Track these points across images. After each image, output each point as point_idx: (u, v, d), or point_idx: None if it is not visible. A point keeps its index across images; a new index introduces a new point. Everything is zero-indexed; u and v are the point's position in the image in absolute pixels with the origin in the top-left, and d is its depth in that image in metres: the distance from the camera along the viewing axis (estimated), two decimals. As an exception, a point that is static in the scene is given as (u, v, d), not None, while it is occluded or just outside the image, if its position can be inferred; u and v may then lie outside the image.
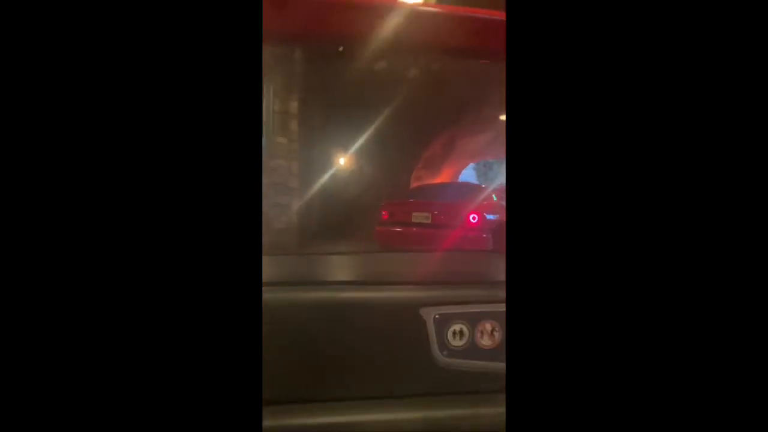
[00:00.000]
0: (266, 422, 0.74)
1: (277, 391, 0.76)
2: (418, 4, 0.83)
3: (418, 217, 4.70)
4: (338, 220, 6.01)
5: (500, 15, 0.75)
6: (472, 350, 0.78)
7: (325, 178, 5.97)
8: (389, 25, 0.84)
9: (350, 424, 0.77)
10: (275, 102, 5.39)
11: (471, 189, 5.37)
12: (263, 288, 0.81)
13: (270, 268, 1.22)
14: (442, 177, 7.64)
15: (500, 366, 0.78)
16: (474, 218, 4.30)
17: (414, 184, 6.65)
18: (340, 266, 1.28)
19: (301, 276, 1.08)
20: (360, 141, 5.81)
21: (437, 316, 0.79)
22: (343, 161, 6.11)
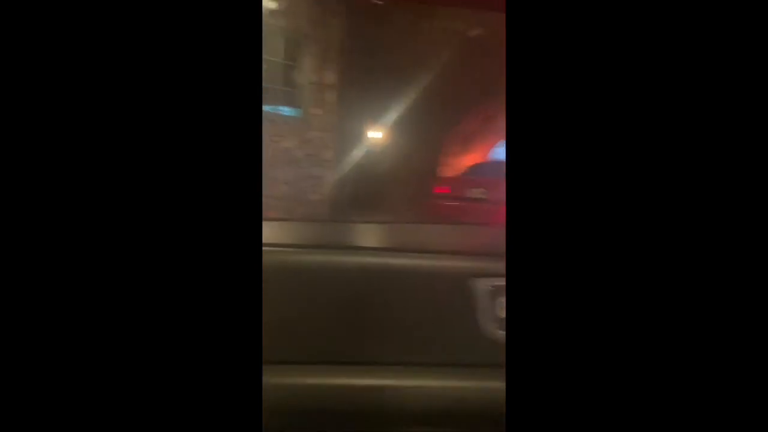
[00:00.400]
0: (310, 381, 0.75)
1: (319, 351, 0.77)
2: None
3: (475, 192, 4.89)
4: (371, 193, 6.00)
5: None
6: None
7: (360, 151, 5.95)
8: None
9: (393, 387, 0.78)
10: (312, 73, 5.35)
11: None
12: (303, 250, 0.82)
13: (316, 232, 1.22)
14: (476, 153, 7.50)
15: None
16: None
17: (471, 162, 6.65)
18: (386, 234, 1.26)
19: (341, 242, 1.07)
20: (396, 114, 5.75)
21: (489, 288, 0.78)
22: (378, 134, 6.08)
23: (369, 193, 6.02)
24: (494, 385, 0.76)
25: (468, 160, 7.38)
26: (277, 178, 5.05)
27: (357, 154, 5.79)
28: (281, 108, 5.52)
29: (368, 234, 1.22)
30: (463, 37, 5.53)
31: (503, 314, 0.77)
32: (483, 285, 0.77)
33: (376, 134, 6.03)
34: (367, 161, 5.86)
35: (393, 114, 5.66)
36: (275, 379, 0.72)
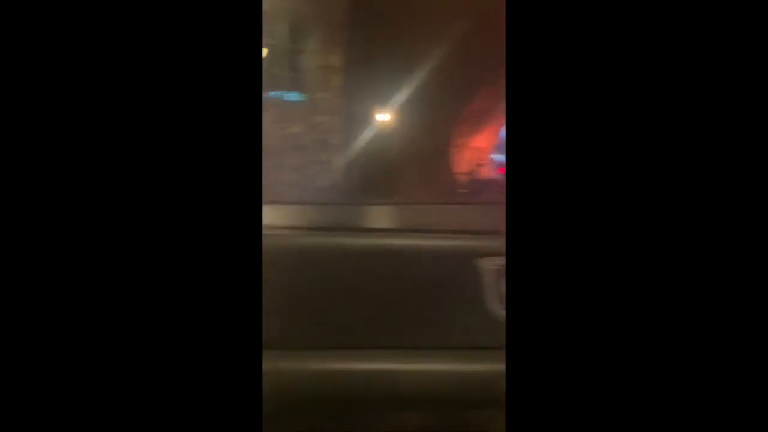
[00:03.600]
0: (318, 365, 0.75)
1: (326, 335, 0.78)
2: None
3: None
4: (380, 177, 6.00)
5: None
6: None
7: (369, 134, 5.95)
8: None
9: (401, 372, 0.78)
10: (317, 56, 5.32)
11: None
12: (311, 233, 0.81)
13: (316, 215, 1.22)
14: (486, 133, 7.47)
15: None
16: None
17: (485, 143, 6.76)
18: (388, 215, 1.26)
19: (349, 224, 1.08)
20: (403, 95, 5.71)
21: (495, 267, 0.78)
22: (386, 116, 6.05)
23: (378, 176, 6.01)
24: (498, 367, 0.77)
25: (480, 140, 7.35)
26: (284, 165, 5.06)
27: (365, 137, 5.76)
28: (287, 93, 5.52)
29: (375, 215, 1.23)
30: (471, 12, 5.44)
31: None
32: (489, 264, 0.77)
33: (384, 116, 5.98)
34: (376, 144, 5.83)
35: (401, 95, 5.62)
36: (285, 364, 0.73)
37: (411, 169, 6.17)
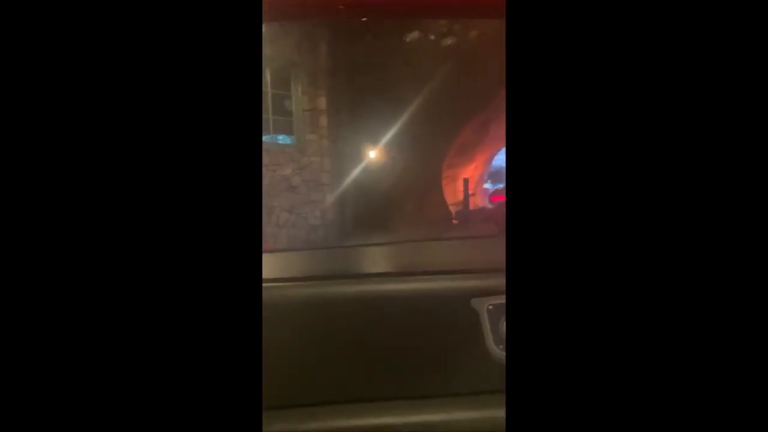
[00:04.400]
0: (312, 424, 0.69)
1: (321, 391, 0.72)
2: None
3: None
4: (372, 213, 5.99)
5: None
6: None
7: (356, 171, 5.96)
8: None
9: (401, 425, 0.71)
10: (304, 99, 5.40)
11: None
12: (305, 283, 0.77)
13: (310, 262, 1.19)
14: (475, 163, 7.54)
15: None
16: None
17: (473, 172, 6.70)
18: (382, 257, 1.22)
19: (343, 269, 1.04)
20: (390, 131, 5.77)
21: (491, 307, 0.72)
22: (374, 153, 6.08)
23: (369, 213, 6.01)
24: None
25: (470, 170, 7.41)
26: (276, 207, 5.05)
27: (354, 175, 5.78)
28: (276, 137, 5.57)
29: (367, 257, 1.19)
30: (439, 47, 5.56)
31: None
32: (483, 304, 0.72)
33: (373, 153, 6.03)
34: (366, 181, 5.85)
35: (387, 131, 5.68)
36: (278, 426, 0.67)
37: (402, 203, 6.18)
